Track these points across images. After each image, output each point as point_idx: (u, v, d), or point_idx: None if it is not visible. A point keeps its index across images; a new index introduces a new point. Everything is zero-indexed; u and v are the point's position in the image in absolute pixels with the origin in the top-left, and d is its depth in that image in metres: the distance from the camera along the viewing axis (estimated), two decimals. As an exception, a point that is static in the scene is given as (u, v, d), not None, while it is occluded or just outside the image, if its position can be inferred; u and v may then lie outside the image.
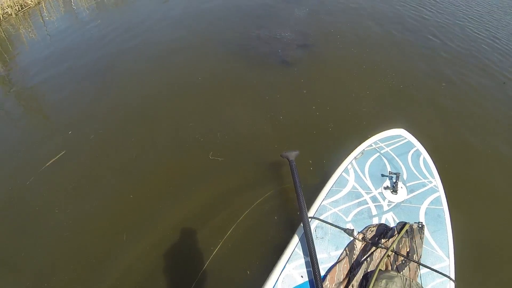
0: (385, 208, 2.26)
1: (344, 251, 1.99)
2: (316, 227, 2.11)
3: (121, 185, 2.92)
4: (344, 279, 1.87)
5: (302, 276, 1.86)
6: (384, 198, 2.31)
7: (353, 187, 2.35)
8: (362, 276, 1.86)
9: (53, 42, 5.60)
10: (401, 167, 2.52)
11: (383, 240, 2.02)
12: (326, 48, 4.79)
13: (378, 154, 2.60)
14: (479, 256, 2.52)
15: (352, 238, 2.04)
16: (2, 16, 6.54)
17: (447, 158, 3.02)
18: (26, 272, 2.40)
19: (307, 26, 5.39)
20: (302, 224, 2.03)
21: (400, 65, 4.47)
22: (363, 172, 2.46)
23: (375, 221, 2.19)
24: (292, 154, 2.46)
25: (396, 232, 2.06)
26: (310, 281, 1.83)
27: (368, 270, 1.88)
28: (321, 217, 2.15)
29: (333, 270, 1.88)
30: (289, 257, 1.95)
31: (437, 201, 2.35)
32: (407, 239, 2.02)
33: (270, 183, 2.80)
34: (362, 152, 2.58)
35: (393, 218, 2.22)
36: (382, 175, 2.44)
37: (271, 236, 2.47)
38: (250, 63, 4.39)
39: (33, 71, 4.76)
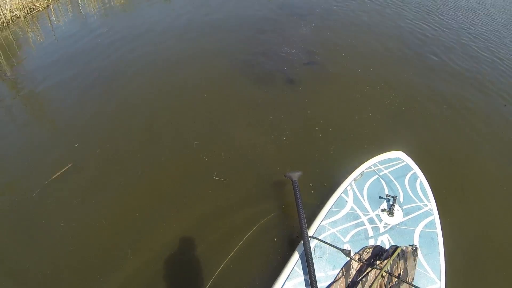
0: (381, 230, 2.36)
1: (341, 271, 2.09)
2: (315, 246, 2.20)
3: (126, 201, 2.96)
4: (340, 299, 1.97)
5: None
6: (380, 220, 2.40)
7: (352, 208, 2.45)
8: (358, 296, 1.96)
9: (60, 47, 5.68)
10: (398, 190, 2.62)
11: (378, 262, 2.11)
12: (331, 67, 4.85)
13: (376, 176, 2.70)
14: (471, 278, 2.60)
15: (348, 259, 2.13)
16: (11, 18, 6.64)
17: (444, 182, 3.09)
18: (31, 284, 2.44)
19: (312, 43, 5.47)
20: (302, 244, 2.13)
21: (403, 85, 4.53)
22: (361, 194, 2.55)
23: (371, 242, 2.29)
24: (296, 175, 2.57)
25: (389, 255, 2.16)
26: None
27: (363, 291, 1.98)
28: (320, 237, 2.24)
29: (330, 289, 1.98)
30: (288, 275, 2.04)
31: (431, 224, 2.45)
32: (400, 261, 2.11)
33: (271, 204, 2.86)
34: (361, 174, 2.68)
35: (388, 240, 2.31)
36: (380, 197, 2.54)
37: (271, 258, 2.54)
38: (255, 80, 4.45)
39: (40, 77, 4.83)
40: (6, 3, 6.75)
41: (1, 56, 5.49)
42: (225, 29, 6.00)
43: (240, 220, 2.72)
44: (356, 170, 2.72)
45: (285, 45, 5.31)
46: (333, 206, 2.44)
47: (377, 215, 2.43)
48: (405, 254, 2.13)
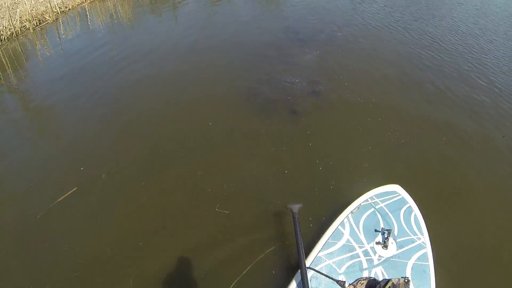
0: (375, 262, 2.46)
1: (336, 303, 2.18)
2: (312, 277, 2.29)
3: (129, 229, 2.98)
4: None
5: None
6: (375, 253, 2.51)
7: (348, 240, 2.55)
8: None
9: (67, 62, 5.81)
10: (393, 223, 2.73)
11: (372, 294, 2.21)
12: (333, 97, 4.89)
13: (373, 209, 2.81)
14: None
15: (343, 290, 2.22)
16: (20, 29, 6.80)
17: (438, 216, 3.11)
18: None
19: (315, 71, 5.54)
20: (300, 274, 2.22)
21: (403, 116, 4.54)
22: (357, 227, 2.66)
23: (366, 274, 2.38)
24: (296, 207, 2.70)
25: (382, 287, 2.25)
26: None
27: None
28: (316, 268, 2.34)
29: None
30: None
31: (424, 257, 2.55)
32: (393, 294, 2.21)
33: (271, 236, 2.90)
34: (358, 207, 2.80)
35: (382, 272, 2.41)
36: (375, 230, 2.65)
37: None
38: (259, 110, 4.50)
39: (46, 92, 4.93)
40: (16, 13, 6.93)
41: (9, 68, 5.62)
42: (229, 54, 6.08)
43: (240, 252, 2.75)
44: (353, 203, 2.84)
45: (289, 73, 5.38)
46: (330, 238, 2.54)
47: (372, 248, 2.53)
48: (396, 287, 2.23)
